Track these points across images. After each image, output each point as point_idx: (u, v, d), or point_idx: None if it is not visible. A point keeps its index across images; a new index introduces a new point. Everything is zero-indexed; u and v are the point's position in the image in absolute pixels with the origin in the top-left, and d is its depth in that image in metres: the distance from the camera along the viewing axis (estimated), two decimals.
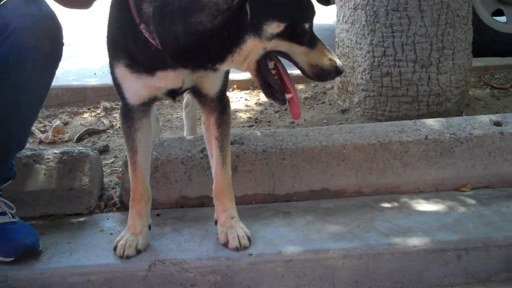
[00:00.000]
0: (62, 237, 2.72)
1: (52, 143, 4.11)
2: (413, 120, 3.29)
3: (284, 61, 2.34)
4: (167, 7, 2.17)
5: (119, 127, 4.11)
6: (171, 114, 4.68)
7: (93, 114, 4.70)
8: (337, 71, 2.33)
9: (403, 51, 3.80)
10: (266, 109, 4.51)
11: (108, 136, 4.21)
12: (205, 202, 2.97)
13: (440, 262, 2.56)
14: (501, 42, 5.49)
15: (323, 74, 2.32)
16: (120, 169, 3.19)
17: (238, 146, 3.04)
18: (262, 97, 4.65)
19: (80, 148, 3.19)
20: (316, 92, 4.70)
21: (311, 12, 2.27)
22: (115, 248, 2.55)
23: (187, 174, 2.99)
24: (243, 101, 4.74)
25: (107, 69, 2.55)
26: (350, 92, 4.09)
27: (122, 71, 2.43)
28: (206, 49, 2.20)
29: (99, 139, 4.17)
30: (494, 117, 3.24)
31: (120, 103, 2.62)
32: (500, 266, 2.58)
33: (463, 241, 2.56)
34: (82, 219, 2.92)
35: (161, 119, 4.46)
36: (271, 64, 2.35)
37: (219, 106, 2.61)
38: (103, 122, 4.46)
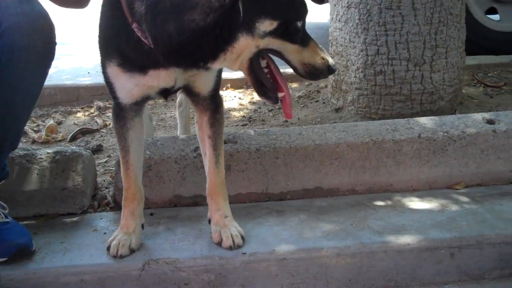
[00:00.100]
0: (55, 237, 2.72)
1: (45, 142, 4.10)
2: (406, 119, 3.29)
3: (277, 60, 2.34)
4: (159, 6, 2.17)
5: (112, 127, 4.11)
6: (165, 113, 4.67)
7: (87, 113, 4.70)
8: (329, 70, 2.33)
9: (397, 50, 3.80)
10: (259, 108, 4.51)
11: (101, 136, 4.21)
12: (199, 201, 2.96)
13: (434, 260, 2.56)
14: (495, 40, 5.50)
15: (315, 72, 2.32)
16: (114, 168, 3.19)
17: (231, 145, 3.04)
18: (256, 96, 4.65)
19: (74, 147, 3.19)
20: (309, 91, 4.70)
21: (303, 10, 2.27)
22: (108, 248, 2.55)
23: (180, 173, 2.98)
24: (237, 100, 4.74)
25: (100, 68, 2.54)
26: (344, 91, 4.09)
27: (114, 70, 2.43)
28: (198, 48, 2.20)
29: (92, 138, 4.16)
30: (487, 115, 3.25)
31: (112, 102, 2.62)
32: (493, 263, 2.59)
33: (457, 239, 2.57)
34: (75, 218, 2.91)
35: (154, 118, 4.46)
36: (263, 63, 2.35)
37: (212, 105, 2.60)
38: (96, 122, 4.45)
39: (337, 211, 2.85)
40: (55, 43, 2.75)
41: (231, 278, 2.51)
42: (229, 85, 5.02)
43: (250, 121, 4.26)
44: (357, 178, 3.06)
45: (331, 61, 2.33)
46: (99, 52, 2.49)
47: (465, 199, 2.93)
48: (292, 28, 2.22)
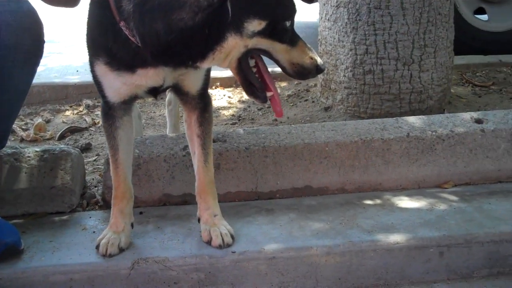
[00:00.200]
0: (44, 235, 2.71)
1: (34, 141, 4.08)
2: (395, 118, 3.30)
3: (266, 59, 2.34)
4: (147, 4, 2.16)
5: (101, 125, 4.10)
6: (154, 112, 4.66)
7: (75, 111, 4.68)
8: (317, 70, 2.33)
9: (385, 49, 3.81)
10: (249, 106, 4.51)
11: (90, 134, 4.20)
12: (188, 200, 2.96)
13: (423, 259, 2.57)
14: (483, 40, 5.53)
15: (303, 72, 2.32)
16: (103, 167, 3.18)
17: (220, 143, 3.03)
18: (245, 95, 4.65)
19: (62, 146, 3.17)
20: (299, 90, 4.70)
21: (292, 10, 2.27)
22: (97, 247, 2.54)
23: (169, 172, 2.98)
24: (226, 99, 4.74)
25: (89, 66, 2.53)
26: (333, 90, 4.10)
27: (102, 69, 2.42)
28: (187, 47, 2.19)
29: (81, 137, 4.15)
30: (476, 115, 3.26)
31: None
32: (482, 262, 2.60)
33: (445, 238, 2.58)
34: (64, 217, 2.90)
35: (143, 116, 4.45)
36: (252, 62, 2.35)
37: (201, 104, 2.60)
38: (85, 120, 4.44)
39: (326, 210, 2.86)
40: (43, 41, 2.74)
41: (220, 277, 2.51)
42: (218, 83, 5.02)
43: (239, 120, 4.26)
44: (346, 177, 3.06)
45: (319, 60, 2.33)
46: (87, 50, 2.49)
47: (453, 198, 2.94)
48: (280, 28, 2.22)
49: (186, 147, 2.94)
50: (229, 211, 2.81)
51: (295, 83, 4.85)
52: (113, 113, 2.54)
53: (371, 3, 3.77)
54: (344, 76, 3.96)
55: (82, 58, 2.62)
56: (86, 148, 3.85)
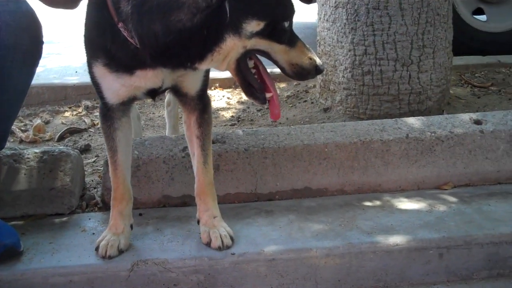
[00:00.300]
0: (44, 237, 2.70)
1: (33, 142, 4.08)
2: (394, 119, 3.30)
3: (265, 60, 2.33)
4: (145, 5, 2.16)
5: (100, 126, 4.10)
6: (153, 113, 4.66)
7: (74, 112, 4.68)
8: (317, 70, 2.33)
9: (384, 50, 3.81)
10: (248, 107, 4.51)
11: (89, 135, 4.19)
12: (188, 201, 2.96)
13: (422, 260, 2.57)
14: (482, 40, 5.53)
15: (302, 73, 2.32)
16: (102, 168, 3.17)
17: (220, 145, 3.03)
18: (244, 96, 4.64)
19: (61, 147, 3.17)
20: (298, 91, 4.70)
21: (290, 10, 2.27)
22: (97, 248, 2.53)
23: (169, 173, 2.98)
24: (225, 100, 4.74)
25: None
26: (332, 91, 4.10)
27: (101, 70, 2.41)
28: (185, 48, 2.19)
29: (80, 138, 4.15)
30: (475, 116, 3.26)
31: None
32: (481, 263, 2.60)
33: (445, 239, 2.58)
34: (63, 219, 2.90)
35: (142, 117, 4.45)
36: (251, 63, 2.35)
37: (200, 105, 2.60)
38: (84, 121, 4.44)
39: (326, 211, 2.86)
40: (42, 42, 2.74)
41: (220, 279, 2.51)
42: (217, 84, 5.01)
43: (238, 121, 4.26)
44: (345, 178, 3.06)
45: (318, 61, 2.33)
46: (85, 52, 2.48)
47: (453, 199, 2.94)
48: (279, 28, 2.22)
49: (185, 148, 2.94)
50: (228, 213, 2.81)
51: (294, 84, 4.84)
52: (111, 114, 2.53)
53: (370, 4, 3.77)
54: (343, 77, 3.96)
55: (81, 59, 2.62)
56: (86, 149, 3.85)
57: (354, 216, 2.79)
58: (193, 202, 2.73)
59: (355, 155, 3.06)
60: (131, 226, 2.63)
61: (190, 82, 2.53)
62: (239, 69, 2.32)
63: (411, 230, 2.64)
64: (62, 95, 4.95)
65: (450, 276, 2.60)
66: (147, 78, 2.38)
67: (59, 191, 2.92)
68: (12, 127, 3.61)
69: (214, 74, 4.47)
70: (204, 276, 2.50)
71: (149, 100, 4.73)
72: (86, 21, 2.44)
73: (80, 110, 4.71)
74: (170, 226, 2.77)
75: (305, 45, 2.33)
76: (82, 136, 4.19)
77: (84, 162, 3.45)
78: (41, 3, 2.72)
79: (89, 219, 2.89)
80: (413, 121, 3.22)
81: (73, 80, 5.36)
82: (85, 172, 3.33)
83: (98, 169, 3.48)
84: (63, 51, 7.35)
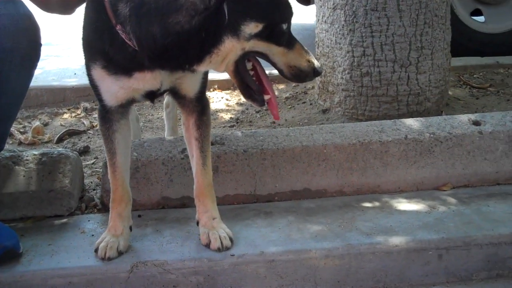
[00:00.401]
0: (43, 239, 2.70)
1: (32, 144, 4.08)
2: (393, 120, 3.30)
3: (263, 61, 2.34)
4: (143, 8, 2.16)
5: (99, 128, 4.10)
6: (152, 115, 4.66)
7: (73, 114, 4.68)
8: (315, 72, 2.33)
9: (382, 51, 3.81)
10: (247, 109, 4.51)
11: (88, 137, 4.19)
12: (187, 203, 2.96)
13: (422, 261, 2.58)
14: (480, 41, 5.54)
15: (301, 75, 2.33)
16: (101, 170, 3.17)
17: (219, 146, 3.04)
18: (243, 98, 4.65)
19: (60, 149, 3.17)
20: (296, 92, 4.70)
21: (289, 12, 2.28)
22: (96, 250, 2.53)
23: (168, 175, 2.98)
24: (224, 101, 4.74)
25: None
26: (331, 92, 4.10)
27: (99, 73, 2.42)
28: (183, 50, 2.19)
29: (79, 140, 4.15)
30: (473, 117, 3.27)
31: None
32: (481, 264, 2.61)
33: (444, 240, 2.58)
34: (62, 220, 2.90)
35: (141, 119, 4.45)
36: (249, 65, 2.36)
37: (199, 107, 2.60)
38: (83, 123, 4.44)
39: (325, 213, 2.86)
40: (40, 44, 2.74)
41: (219, 280, 2.51)
42: (216, 86, 5.01)
43: (237, 123, 4.26)
44: (344, 180, 3.06)
45: (316, 63, 2.33)
46: (83, 54, 2.48)
47: (452, 200, 2.94)
48: (277, 30, 2.22)
49: (184, 150, 2.94)
50: (227, 214, 2.81)
51: (293, 85, 4.85)
52: (110, 116, 2.53)
53: (368, 5, 3.77)
54: (342, 78, 3.96)
55: (80, 61, 2.62)
56: (85, 151, 3.85)
57: (353, 217, 2.80)
58: (192, 204, 2.73)
59: (354, 156, 3.06)
60: (130, 228, 2.64)
61: (189, 84, 2.53)
62: (238, 71, 2.32)
63: (410, 231, 2.65)
64: (61, 97, 4.95)
65: (450, 277, 2.61)
66: (145, 80, 2.38)
67: (58, 193, 2.92)
68: (11, 129, 3.61)
69: (213, 75, 4.48)
70: (204, 278, 2.50)
71: (147, 102, 4.73)
72: (84, 23, 2.45)
73: (79, 112, 4.71)
74: (169, 227, 2.77)
75: (303, 47, 2.34)
76: (81, 138, 4.19)
77: (83, 164, 3.45)
78: (37, 8, 2.73)
79: (88, 220, 2.90)
80: (412, 122, 3.23)
81: (71, 82, 5.37)
82: (84, 174, 3.33)
83: (97, 171, 3.48)
84: (62, 53, 7.35)
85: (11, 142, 4.07)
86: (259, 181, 3.02)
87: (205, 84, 2.63)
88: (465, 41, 5.44)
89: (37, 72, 2.84)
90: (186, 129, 2.65)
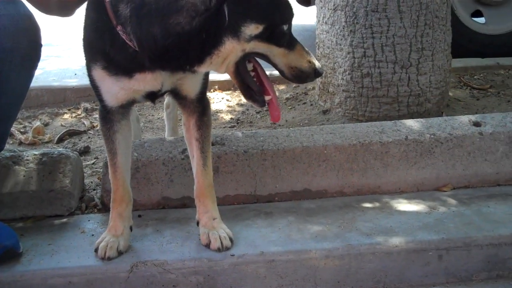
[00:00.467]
0: (43, 238, 2.70)
1: (32, 144, 4.08)
2: (393, 121, 3.30)
3: (264, 62, 2.34)
4: (144, 9, 2.16)
5: (99, 128, 4.10)
6: (152, 115, 4.66)
7: (74, 115, 4.68)
8: (316, 73, 2.33)
9: (383, 52, 3.81)
10: (247, 109, 4.51)
11: (88, 137, 4.19)
12: (187, 203, 2.96)
13: (422, 262, 2.57)
14: (480, 43, 5.54)
15: (302, 76, 2.32)
16: (101, 170, 3.17)
17: (219, 147, 3.04)
18: (244, 98, 4.65)
19: (61, 149, 3.17)
20: (297, 93, 4.70)
21: (289, 13, 2.27)
22: (96, 250, 2.53)
23: (168, 175, 2.98)
24: (225, 102, 4.74)
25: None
26: (331, 93, 4.10)
27: (100, 74, 2.42)
28: (184, 51, 2.19)
29: (79, 140, 4.15)
30: (474, 118, 3.27)
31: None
32: (481, 265, 2.60)
33: (444, 241, 2.58)
34: (63, 220, 2.90)
35: (142, 120, 4.45)
36: (250, 66, 2.35)
37: (199, 107, 2.60)
38: (83, 123, 4.44)
39: (325, 213, 2.86)
40: (40, 45, 2.74)
41: (219, 280, 2.51)
42: (216, 87, 5.01)
43: (238, 123, 4.26)
44: (345, 180, 3.06)
45: (317, 64, 2.33)
46: (84, 55, 2.49)
47: (452, 201, 2.94)
48: (278, 31, 2.22)
49: (184, 150, 2.94)
50: (228, 214, 2.81)
51: (293, 86, 4.85)
52: (111, 117, 2.53)
53: (368, 6, 3.78)
54: (342, 79, 3.96)
55: (80, 61, 2.62)
56: (85, 151, 3.85)
57: (354, 218, 2.80)
58: (192, 204, 2.73)
59: (355, 157, 3.06)
60: (131, 228, 2.64)
61: (190, 85, 2.53)
62: (238, 72, 2.32)
63: (411, 231, 2.65)
64: (61, 97, 4.95)
65: (450, 277, 2.61)
66: (146, 81, 2.38)
67: (58, 192, 2.92)
68: (12, 129, 3.61)
69: (213, 76, 4.48)
70: (204, 277, 2.50)
71: (148, 103, 4.73)
72: (84, 24, 2.45)
73: (79, 112, 4.71)
74: (170, 227, 2.77)
75: (304, 48, 2.33)
76: (82, 138, 4.19)
77: (84, 164, 3.45)
78: (36, 10, 2.73)
79: (89, 220, 2.90)
80: (412, 123, 3.23)
81: (72, 82, 5.37)
82: (84, 174, 3.33)
83: (97, 171, 3.48)
84: (62, 53, 7.35)
85: (11, 142, 4.07)
86: (260, 182, 3.02)
87: (206, 85, 2.63)
88: (465, 42, 5.44)
89: (37, 72, 2.84)
90: (187, 129, 2.65)
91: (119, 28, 2.25)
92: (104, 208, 2.96)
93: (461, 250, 2.58)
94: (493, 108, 4.15)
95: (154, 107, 4.75)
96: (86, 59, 2.48)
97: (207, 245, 2.55)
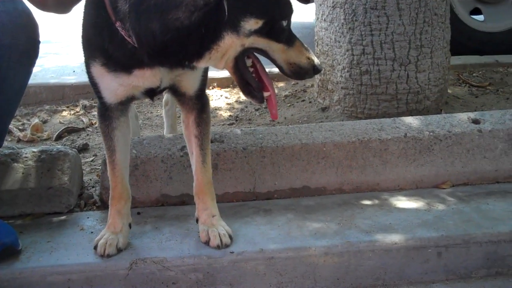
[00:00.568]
0: (42, 236, 2.70)
1: (31, 141, 4.08)
2: (392, 118, 3.30)
3: (263, 59, 2.33)
4: (143, 4, 2.16)
5: (98, 126, 4.10)
6: (151, 112, 4.66)
7: (72, 112, 4.68)
8: (314, 70, 2.33)
9: (382, 50, 3.81)
10: (246, 107, 4.51)
11: (87, 134, 4.19)
12: (186, 200, 2.96)
13: (421, 259, 2.57)
14: (479, 40, 5.54)
15: (300, 72, 2.32)
16: (100, 167, 3.17)
17: (218, 144, 3.03)
18: (243, 95, 4.64)
19: (59, 146, 3.17)
20: (296, 90, 4.70)
21: (289, 9, 2.27)
22: (95, 247, 2.53)
23: (167, 172, 2.97)
24: (224, 99, 4.74)
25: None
26: (330, 90, 4.10)
27: (99, 70, 2.41)
28: (183, 46, 2.19)
29: (78, 137, 4.14)
30: (473, 115, 3.27)
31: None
32: (480, 262, 2.61)
33: (443, 238, 2.58)
34: (61, 218, 2.90)
35: (140, 117, 4.45)
36: (249, 62, 2.35)
37: (198, 104, 2.60)
38: (82, 120, 4.43)
39: (324, 210, 2.86)
40: (38, 42, 2.73)
41: (219, 277, 2.51)
42: (215, 84, 5.01)
43: (236, 120, 4.26)
44: (344, 177, 3.06)
45: (316, 61, 2.33)
46: (82, 51, 2.48)
47: (451, 198, 2.94)
48: (277, 27, 2.22)
49: (183, 147, 2.94)
50: (227, 212, 2.81)
51: (292, 83, 4.85)
52: (110, 114, 2.53)
53: (367, 4, 3.77)
54: (341, 76, 3.96)
55: (79, 58, 2.62)
56: (84, 149, 3.84)
57: (353, 215, 2.80)
58: (191, 201, 2.73)
59: (354, 154, 3.06)
60: (130, 225, 2.63)
61: (188, 81, 2.53)
62: (237, 68, 2.32)
63: (410, 228, 2.65)
64: (60, 94, 4.95)
65: (449, 274, 2.61)
66: (145, 78, 2.38)
67: (57, 190, 2.92)
68: (10, 126, 3.61)
69: (212, 73, 4.47)
70: (203, 275, 2.50)
71: (147, 100, 4.73)
72: (83, 21, 2.44)
73: (78, 109, 4.71)
74: (169, 225, 2.77)
75: (303, 45, 2.33)
76: (80, 135, 4.19)
77: (82, 161, 3.45)
78: (33, 7, 2.73)
79: (88, 218, 2.89)
80: (411, 121, 3.22)
81: (70, 79, 5.36)
82: (83, 171, 3.33)
83: (96, 168, 3.47)
84: (61, 50, 7.34)
85: (10, 139, 4.07)
86: (259, 179, 3.02)
87: (205, 82, 2.62)
88: (464, 40, 5.44)
89: (36, 69, 2.84)
90: (186, 126, 2.65)
91: (118, 24, 2.24)
92: (103, 205, 2.96)
93: (460, 247, 2.58)
94: (492, 106, 4.15)
95: (153, 104, 4.75)
96: (85, 55, 2.47)
97: (207, 243, 2.55)
